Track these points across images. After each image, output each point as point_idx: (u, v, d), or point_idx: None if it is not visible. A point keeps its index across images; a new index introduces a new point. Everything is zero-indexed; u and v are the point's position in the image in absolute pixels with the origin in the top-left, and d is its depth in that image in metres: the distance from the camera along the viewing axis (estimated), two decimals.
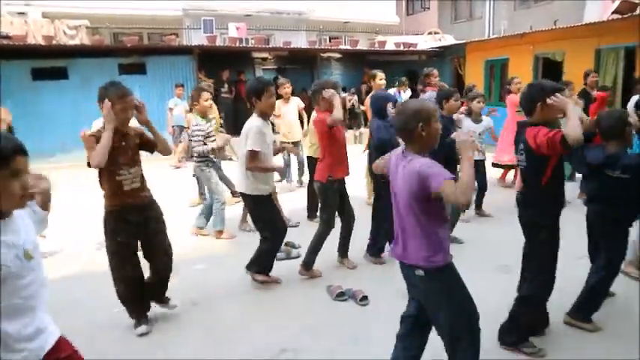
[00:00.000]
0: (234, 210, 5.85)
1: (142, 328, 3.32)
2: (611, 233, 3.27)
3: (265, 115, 3.88)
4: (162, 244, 3.39)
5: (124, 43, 11.59)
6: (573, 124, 2.62)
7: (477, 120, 5.71)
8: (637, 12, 9.28)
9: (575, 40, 9.92)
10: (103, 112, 3.06)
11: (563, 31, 10.17)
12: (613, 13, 9.68)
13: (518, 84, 7.10)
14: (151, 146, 3.34)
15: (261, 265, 4.03)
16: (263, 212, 3.98)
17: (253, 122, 3.81)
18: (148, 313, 3.46)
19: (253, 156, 3.73)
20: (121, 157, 3.13)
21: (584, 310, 3.30)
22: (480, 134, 5.56)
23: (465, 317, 2.33)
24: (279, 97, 6.81)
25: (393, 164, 2.41)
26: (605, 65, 9.46)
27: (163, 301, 3.56)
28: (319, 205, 4.38)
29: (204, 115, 5.27)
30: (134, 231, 3.24)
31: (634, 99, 6.42)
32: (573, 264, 3.57)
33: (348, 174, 4.32)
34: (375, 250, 4.62)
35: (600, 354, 2.98)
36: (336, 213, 4.32)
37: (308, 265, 4.25)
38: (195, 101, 5.29)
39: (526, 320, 3.04)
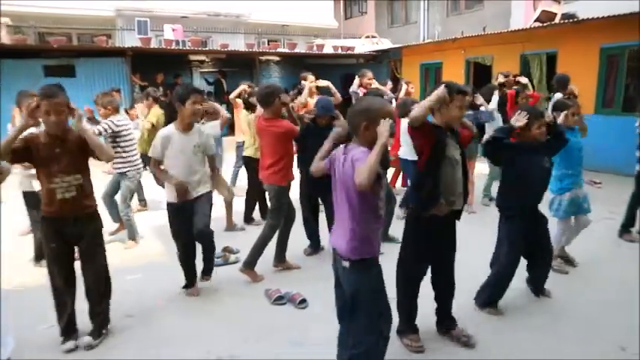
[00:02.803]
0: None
1: (68, 345, 3.15)
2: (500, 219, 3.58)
3: (184, 123, 3.73)
4: (96, 272, 3.21)
5: (51, 43, 10.94)
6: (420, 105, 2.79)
7: None
8: (556, 21, 9.94)
9: (503, 45, 10.46)
10: (22, 112, 2.91)
11: (492, 36, 10.69)
12: (535, 21, 10.31)
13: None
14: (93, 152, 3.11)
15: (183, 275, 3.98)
16: (170, 221, 3.86)
17: (164, 129, 3.80)
18: (79, 328, 3.27)
19: (152, 160, 3.74)
20: (54, 165, 2.99)
21: (485, 296, 3.56)
22: None
23: (374, 319, 2.34)
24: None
25: (337, 156, 2.43)
26: (530, 69, 10.05)
27: (92, 331, 3.25)
28: (270, 207, 4.30)
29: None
30: (67, 241, 3.11)
31: (554, 98, 6.93)
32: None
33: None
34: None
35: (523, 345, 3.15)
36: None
37: (251, 264, 4.18)
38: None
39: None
